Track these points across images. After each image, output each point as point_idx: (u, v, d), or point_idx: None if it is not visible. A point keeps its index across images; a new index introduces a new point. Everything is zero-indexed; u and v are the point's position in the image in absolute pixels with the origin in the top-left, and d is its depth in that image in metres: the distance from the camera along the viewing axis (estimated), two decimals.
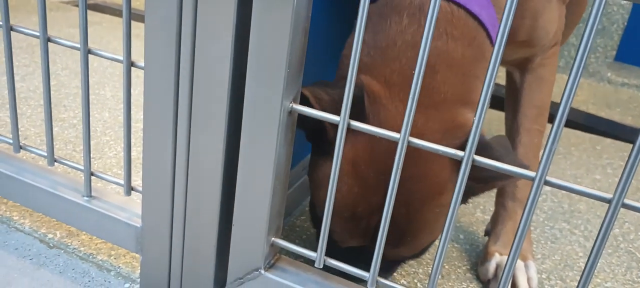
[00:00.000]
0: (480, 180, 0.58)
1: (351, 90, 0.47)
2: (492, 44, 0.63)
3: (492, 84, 0.41)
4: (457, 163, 0.56)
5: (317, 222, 0.66)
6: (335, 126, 0.50)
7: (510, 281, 0.76)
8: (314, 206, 0.67)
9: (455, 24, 0.60)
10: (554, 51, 0.84)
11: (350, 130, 0.49)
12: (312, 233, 0.88)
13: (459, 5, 0.61)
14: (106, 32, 1.97)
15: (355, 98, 0.52)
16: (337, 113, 0.49)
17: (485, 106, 0.42)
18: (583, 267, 0.46)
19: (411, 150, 0.47)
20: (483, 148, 0.53)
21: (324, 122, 0.57)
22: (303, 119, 0.55)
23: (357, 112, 0.55)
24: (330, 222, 0.53)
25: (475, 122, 0.42)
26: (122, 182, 0.66)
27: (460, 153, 0.44)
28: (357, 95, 0.56)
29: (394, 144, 0.47)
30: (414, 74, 0.45)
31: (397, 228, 0.58)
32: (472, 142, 0.43)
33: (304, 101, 0.55)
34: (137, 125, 1.14)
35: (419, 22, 0.59)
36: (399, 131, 0.46)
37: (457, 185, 0.45)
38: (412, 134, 0.47)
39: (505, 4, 0.40)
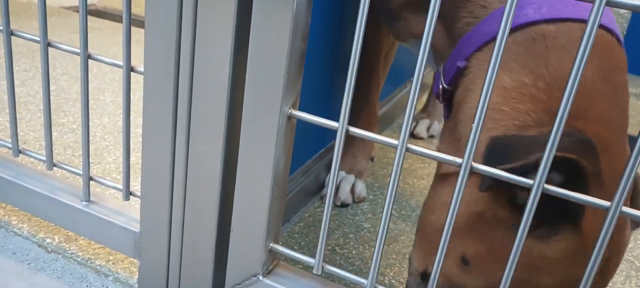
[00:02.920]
0: None
1: (350, 96, 0.47)
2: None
3: (490, 89, 0.41)
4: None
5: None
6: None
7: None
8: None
9: (619, 55, 0.59)
10: None
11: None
12: (310, 240, 0.88)
13: (617, 38, 0.59)
14: (106, 37, 1.97)
15: (581, 144, 0.48)
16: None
17: (484, 108, 0.42)
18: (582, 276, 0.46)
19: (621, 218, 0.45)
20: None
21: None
22: None
23: (589, 162, 0.48)
24: None
25: (474, 128, 0.43)
26: (120, 186, 0.66)
27: (458, 160, 0.44)
28: (585, 141, 0.49)
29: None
30: (613, 117, 0.48)
31: None
32: (470, 147, 0.43)
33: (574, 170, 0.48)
34: (137, 131, 1.14)
35: (592, 62, 0.55)
36: None
37: (455, 190, 0.45)
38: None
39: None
